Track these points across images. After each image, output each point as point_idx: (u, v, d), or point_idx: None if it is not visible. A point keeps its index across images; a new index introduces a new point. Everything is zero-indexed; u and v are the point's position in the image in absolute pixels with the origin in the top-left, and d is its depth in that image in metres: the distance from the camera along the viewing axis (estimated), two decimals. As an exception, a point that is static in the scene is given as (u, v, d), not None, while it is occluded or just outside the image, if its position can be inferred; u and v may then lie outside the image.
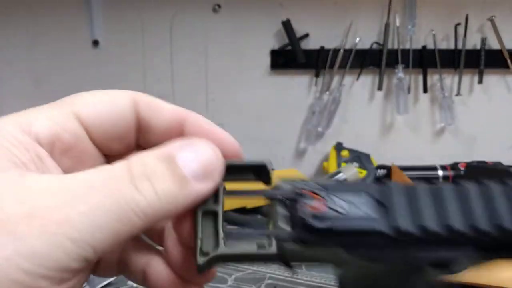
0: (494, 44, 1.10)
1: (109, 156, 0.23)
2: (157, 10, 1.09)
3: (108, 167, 0.20)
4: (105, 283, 0.60)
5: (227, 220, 0.23)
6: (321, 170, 1.14)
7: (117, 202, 0.18)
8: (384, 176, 1.06)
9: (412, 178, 0.95)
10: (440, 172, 1.04)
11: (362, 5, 1.09)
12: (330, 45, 1.09)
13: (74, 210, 0.17)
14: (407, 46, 1.09)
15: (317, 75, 1.11)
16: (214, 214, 0.22)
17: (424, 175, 1.04)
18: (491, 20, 1.08)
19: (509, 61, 1.08)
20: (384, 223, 0.22)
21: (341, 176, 0.97)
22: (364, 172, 1.03)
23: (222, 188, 0.23)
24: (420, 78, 1.12)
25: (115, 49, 1.11)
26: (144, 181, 0.19)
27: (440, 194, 0.24)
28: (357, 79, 1.11)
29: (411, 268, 0.26)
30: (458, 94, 1.11)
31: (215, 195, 0.23)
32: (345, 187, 0.23)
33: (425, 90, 1.12)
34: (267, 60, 1.11)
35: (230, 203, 0.74)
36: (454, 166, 1.05)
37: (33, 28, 1.09)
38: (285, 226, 0.23)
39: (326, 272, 0.69)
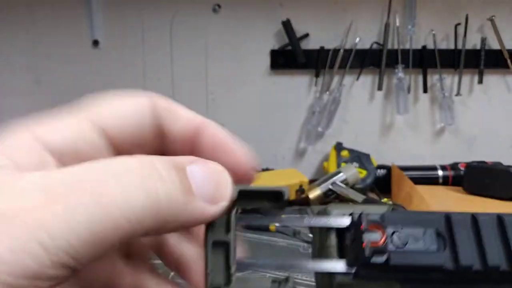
0: (494, 44, 1.10)
1: None
2: (157, 10, 1.09)
3: (106, 160, 0.18)
4: None
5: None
6: (321, 170, 1.14)
7: (103, 205, 0.16)
8: (384, 176, 1.06)
9: (412, 178, 0.95)
10: (440, 172, 1.04)
11: (362, 5, 1.09)
12: (330, 45, 1.09)
13: (49, 211, 0.16)
14: (407, 46, 1.09)
15: (317, 75, 1.11)
16: (226, 245, 0.21)
17: (424, 175, 1.04)
18: (491, 20, 1.08)
19: (509, 61, 1.08)
20: (445, 257, 0.21)
21: (341, 176, 0.97)
22: (364, 172, 1.03)
23: (234, 216, 0.21)
24: (420, 78, 1.12)
25: (115, 49, 1.11)
26: (145, 181, 0.17)
27: (505, 226, 0.22)
28: (357, 79, 1.11)
29: None
30: (458, 94, 1.11)
31: (226, 223, 0.21)
32: (405, 217, 0.22)
33: (425, 90, 1.12)
34: (267, 60, 1.11)
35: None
36: (454, 166, 1.05)
37: (33, 28, 1.09)
38: (335, 256, 0.22)
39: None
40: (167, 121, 0.22)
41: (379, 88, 1.10)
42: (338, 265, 0.22)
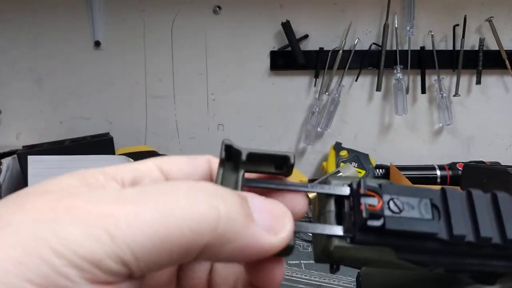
0: (492, 45, 1.11)
1: None
2: (158, 11, 1.10)
3: (176, 181, 0.20)
4: None
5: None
6: (320, 170, 1.14)
7: (169, 209, 0.17)
8: (382, 176, 1.06)
9: (411, 178, 0.96)
10: (438, 172, 1.04)
11: (361, 6, 1.10)
12: (329, 46, 1.10)
13: (120, 208, 0.17)
14: (406, 47, 1.10)
15: (316, 76, 1.12)
16: None
17: (422, 175, 1.05)
18: (489, 21, 1.09)
19: (507, 61, 1.09)
20: (439, 226, 0.22)
21: (340, 176, 0.97)
22: (363, 172, 1.04)
23: (242, 177, 0.22)
24: (419, 78, 1.13)
25: (117, 50, 1.11)
26: (208, 196, 0.18)
27: (498, 202, 0.23)
28: (356, 79, 1.12)
29: (452, 277, 0.26)
30: (456, 94, 1.12)
31: (235, 183, 0.22)
32: (401, 188, 0.22)
33: (423, 91, 1.12)
34: (267, 61, 1.12)
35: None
36: (452, 166, 1.05)
37: (34, 29, 1.09)
38: (333, 222, 0.22)
39: (325, 271, 0.70)
40: (214, 170, 0.23)
41: (378, 89, 1.10)
42: (336, 229, 0.22)
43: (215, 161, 0.24)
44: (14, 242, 0.16)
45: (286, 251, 0.21)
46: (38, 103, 1.13)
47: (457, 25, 1.10)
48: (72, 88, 1.13)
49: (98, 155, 0.89)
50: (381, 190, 0.22)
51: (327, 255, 0.23)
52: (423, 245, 0.22)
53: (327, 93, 1.12)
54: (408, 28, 1.08)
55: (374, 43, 1.10)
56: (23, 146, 1.06)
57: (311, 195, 0.25)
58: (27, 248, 0.16)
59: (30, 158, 0.86)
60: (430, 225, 0.22)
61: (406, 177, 0.97)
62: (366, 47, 1.10)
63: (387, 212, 0.21)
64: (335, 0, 1.10)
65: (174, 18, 1.10)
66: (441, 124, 1.15)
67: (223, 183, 0.22)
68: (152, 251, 0.17)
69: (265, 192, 0.23)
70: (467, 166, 0.96)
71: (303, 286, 0.66)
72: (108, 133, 1.10)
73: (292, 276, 0.68)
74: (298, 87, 1.14)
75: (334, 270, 0.23)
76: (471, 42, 1.12)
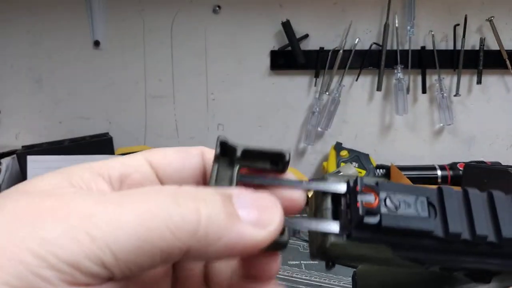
0: (492, 45, 1.10)
1: None
2: (158, 11, 1.09)
3: (160, 186, 0.20)
4: None
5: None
6: (321, 170, 1.14)
7: (150, 211, 0.17)
8: (383, 176, 1.06)
9: (411, 178, 0.96)
10: (439, 172, 1.04)
11: (362, 6, 1.10)
12: (329, 45, 1.10)
13: (100, 209, 0.17)
14: (406, 47, 1.09)
15: (316, 76, 1.12)
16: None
17: (423, 175, 1.04)
18: (490, 20, 1.09)
19: (507, 61, 1.09)
20: (435, 224, 0.22)
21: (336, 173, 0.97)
22: (363, 172, 1.04)
23: (236, 172, 0.22)
24: (419, 78, 1.13)
25: (116, 50, 1.11)
26: (189, 200, 0.18)
27: (493, 201, 0.23)
28: (357, 79, 1.12)
29: (448, 276, 0.26)
30: (457, 94, 1.12)
31: (230, 179, 0.22)
32: (398, 186, 0.22)
33: (424, 91, 1.12)
34: (267, 60, 1.12)
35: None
36: (452, 166, 1.05)
37: (34, 29, 1.09)
38: (329, 219, 0.22)
39: (325, 271, 0.70)
40: (208, 162, 0.24)
41: (378, 89, 1.10)
42: (332, 226, 0.22)
43: (208, 152, 0.24)
44: None
45: (279, 246, 0.21)
46: (37, 103, 1.13)
47: (458, 24, 1.09)
48: (71, 88, 1.13)
49: (98, 155, 0.88)
50: (378, 188, 0.22)
51: (323, 252, 0.23)
52: (419, 243, 0.22)
53: (327, 93, 1.12)
54: (408, 27, 1.08)
55: (374, 43, 1.10)
56: (22, 146, 1.06)
57: (311, 194, 0.24)
58: (5, 250, 0.16)
59: (30, 158, 0.85)
60: (426, 222, 0.22)
61: (407, 177, 0.96)
62: (366, 47, 1.10)
63: (383, 210, 0.21)
64: (335, 0, 1.10)
65: (173, 17, 1.10)
66: (441, 124, 1.15)
67: (218, 179, 0.22)
68: (133, 253, 0.17)
69: (261, 188, 0.23)
70: (468, 166, 0.96)
71: (303, 287, 0.66)
72: (107, 133, 1.10)
73: (292, 277, 0.68)
74: (298, 87, 1.14)
75: (330, 267, 0.23)
76: (471, 42, 1.11)
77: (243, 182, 0.23)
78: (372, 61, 1.10)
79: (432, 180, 1.04)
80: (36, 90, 1.12)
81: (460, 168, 1.03)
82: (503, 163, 1.05)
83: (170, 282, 0.24)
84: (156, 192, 0.19)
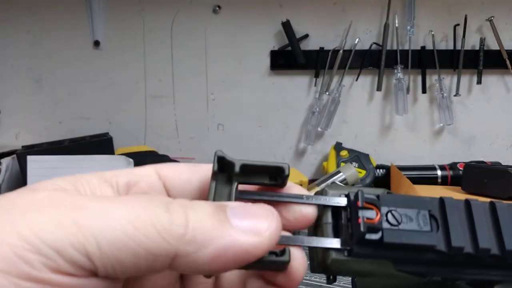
0: (492, 45, 1.10)
1: None
2: (158, 10, 1.09)
3: (156, 195, 0.20)
4: None
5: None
6: (321, 170, 1.14)
7: (139, 212, 0.18)
8: (383, 176, 1.06)
9: (411, 178, 0.95)
10: (439, 172, 1.04)
11: (362, 6, 1.10)
12: (329, 45, 1.10)
13: (93, 202, 0.18)
14: (406, 47, 1.09)
15: (316, 76, 1.12)
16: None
17: (423, 175, 1.04)
18: (490, 20, 1.08)
19: (507, 61, 1.09)
20: (437, 238, 0.22)
21: (340, 176, 0.97)
22: (363, 172, 1.03)
23: (235, 189, 0.22)
24: (419, 78, 1.13)
25: (116, 50, 1.11)
26: (179, 207, 0.18)
27: (496, 212, 0.23)
28: (357, 79, 1.12)
29: (450, 284, 0.26)
30: (457, 94, 1.12)
31: (228, 195, 0.22)
32: (399, 199, 0.22)
33: (424, 91, 1.12)
34: (267, 60, 1.12)
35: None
36: (452, 166, 1.05)
37: (34, 29, 1.09)
38: (330, 234, 0.22)
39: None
40: None
41: (378, 89, 1.10)
42: (333, 242, 0.22)
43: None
44: None
45: (281, 266, 0.21)
46: (37, 103, 1.13)
47: (458, 24, 1.09)
48: (71, 88, 1.12)
49: (98, 155, 0.88)
50: (379, 202, 0.22)
51: (324, 268, 0.22)
52: (421, 257, 0.22)
53: (327, 93, 1.11)
54: (408, 27, 1.08)
55: (374, 43, 1.10)
56: (22, 146, 1.06)
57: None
58: None
59: (30, 158, 0.85)
60: (428, 237, 0.21)
61: (407, 177, 0.96)
62: (366, 47, 1.10)
63: (385, 225, 0.21)
64: (335, 0, 1.10)
65: (173, 17, 1.10)
66: (441, 124, 1.15)
67: (216, 195, 0.22)
68: (117, 248, 0.17)
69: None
70: (468, 166, 0.96)
71: (303, 287, 0.66)
72: (107, 133, 1.10)
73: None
74: (298, 87, 1.14)
75: (331, 281, 0.23)
76: (471, 42, 1.11)
77: (241, 199, 0.22)
78: (372, 61, 1.10)
79: (432, 180, 1.04)
80: (36, 90, 1.12)
81: (460, 168, 1.02)
82: (503, 163, 1.05)
83: None
84: (150, 199, 0.19)
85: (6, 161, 0.97)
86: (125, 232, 0.17)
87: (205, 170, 0.23)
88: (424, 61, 1.10)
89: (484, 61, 1.10)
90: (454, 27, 1.09)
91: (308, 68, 1.11)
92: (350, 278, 0.68)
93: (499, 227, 0.22)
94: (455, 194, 0.97)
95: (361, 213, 0.21)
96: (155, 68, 1.12)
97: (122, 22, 1.10)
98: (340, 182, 0.96)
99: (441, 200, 0.23)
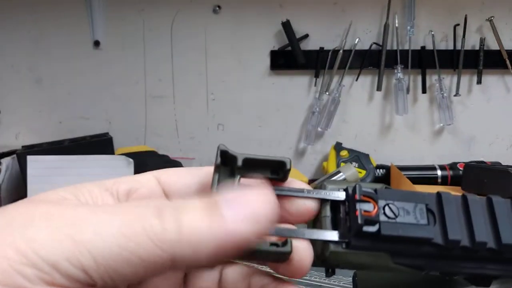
0: (493, 45, 1.10)
1: None
2: (158, 10, 1.09)
3: (150, 199, 0.21)
4: None
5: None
6: (321, 170, 1.14)
7: (131, 221, 0.18)
8: (383, 176, 1.06)
9: (411, 178, 0.95)
10: (439, 172, 1.04)
11: (362, 6, 1.10)
12: (329, 45, 1.10)
13: (88, 217, 0.18)
14: (406, 47, 1.09)
15: (316, 76, 1.12)
16: None
17: (423, 175, 1.04)
18: (490, 20, 1.08)
19: (507, 61, 1.09)
20: (434, 231, 0.22)
21: (340, 176, 0.97)
22: (363, 172, 1.03)
23: (237, 183, 0.22)
24: (419, 78, 1.13)
25: (116, 50, 1.11)
26: (171, 211, 0.18)
27: (493, 207, 0.23)
28: (357, 79, 1.12)
29: (448, 279, 0.26)
30: (457, 94, 1.12)
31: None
32: (397, 193, 0.22)
33: (424, 91, 1.12)
34: (267, 60, 1.12)
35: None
36: (453, 166, 1.05)
37: (34, 29, 1.09)
38: (328, 227, 0.23)
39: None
40: None
41: (378, 89, 1.10)
42: (331, 235, 0.22)
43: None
44: None
45: (282, 257, 0.21)
46: (37, 103, 1.13)
47: (458, 24, 1.09)
48: (71, 88, 1.12)
49: (98, 155, 0.88)
50: (377, 196, 0.22)
51: (322, 260, 0.23)
52: (418, 250, 0.22)
53: (327, 93, 1.11)
54: (408, 27, 1.08)
55: (374, 43, 1.10)
56: (22, 146, 1.06)
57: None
58: None
59: (30, 158, 0.85)
60: (425, 230, 0.22)
61: (407, 177, 0.96)
62: (366, 47, 1.10)
63: (382, 218, 0.21)
64: (335, 0, 1.10)
65: (173, 17, 1.10)
66: (441, 124, 1.15)
67: (219, 189, 0.22)
68: (113, 260, 0.17)
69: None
70: (468, 166, 0.96)
71: (304, 287, 0.66)
72: (107, 133, 1.10)
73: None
74: (298, 87, 1.14)
75: (329, 274, 0.23)
76: (471, 42, 1.11)
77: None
78: (372, 61, 1.10)
79: (432, 180, 1.03)
80: (36, 90, 1.12)
81: (460, 168, 1.02)
82: (503, 163, 1.05)
83: None
84: (143, 205, 0.19)
85: (6, 161, 0.97)
86: (118, 243, 0.17)
87: (205, 172, 0.23)
88: (424, 61, 1.10)
89: (484, 61, 1.10)
90: (454, 27, 1.09)
91: (308, 68, 1.11)
92: (351, 278, 0.68)
93: (496, 221, 0.22)
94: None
95: (359, 206, 0.21)
96: (155, 68, 1.12)
97: (122, 22, 1.10)
98: (340, 182, 0.96)
99: (438, 195, 0.23)
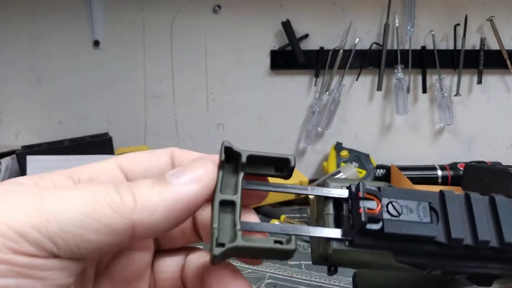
0: (493, 45, 1.10)
1: None
2: (158, 10, 1.09)
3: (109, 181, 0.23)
4: None
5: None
6: (321, 170, 1.14)
7: (94, 194, 0.20)
8: (383, 176, 1.06)
9: (411, 178, 0.95)
10: (439, 172, 1.04)
11: (362, 6, 1.10)
12: (329, 45, 1.10)
13: (52, 191, 0.20)
14: (407, 47, 1.09)
15: (316, 76, 1.12)
16: (233, 205, 0.22)
17: (423, 175, 1.04)
18: (490, 20, 1.08)
19: (508, 61, 1.09)
20: (437, 229, 0.22)
21: (340, 176, 0.97)
22: (363, 172, 1.03)
23: (241, 178, 0.22)
24: (420, 78, 1.12)
25: (116, 50, 1.11)
26: (126, 187, 0.21)
27: (495, 206, 0.23)
28: (357, 79, 1.12)
29: (450, 278, 0.26)
30: (457, 94, 1.12)
31: (234, 185, 0.22)
32: (400, 191, 0.22)
33: (424, 90, 1.12)
34: (267, 60, 1.12)
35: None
36: (453, 166, 1.05)
37: (34, 29, 1.09)
38: (331, 225, 0.23)
39: (326, 272, 0.69)
40: (180, 160, 0.25)
41: (379, 88, 1.10)
42: (334, 232, 0.22)
43: (178, 152, 0.26)
44: None
45: (287, 254, 0.21)
46: (37, 103, 1.13)
47: (458, 24, 1.09)
48: (71, 88, 1.12)
49: (97, 155, 0.88)
50: (380, 194, 0.22)
51: (325, 258, 0.23)
52: (421, 248, 0.22)
53: (327, 93, 1.11)
54: (408, 27, 1.08)
55: (374, 43, 1.09)
56: (22, 146, 1.06)
57: (311, 196, 0.24)
58: None
59: (29, 158, 0.85)
60: (428, 228, 0.22)
61: (407, 177, 0.96)
62: (366, 47, 1.10)
63: (386, 216, 0.21)
64: (335, 0, 1.10)
65: (173, 17, 1.10)
66: (442, 124, 1.15)
67: (223, 186, 0.22)
68: (78, 226, 0.19)
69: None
70: (468, 166, 0.96)
71: (304, 287, 0.66)
72: (107, 133, 1.10)
73: (292, 277, 0.68)
74: (298, 87, 1.14)
75: (332, 272, 0.23)
76: (472, 42, 1.11)
77: (247, 189, 0.23)
78: (372, 61, 1.10)
79: (433, 180, 1.03)
80: (36, 90, 1.12)
81: (461, 168, 1.02)
82: (503, 163, 1.05)
83: (148, 286, 0.25)
84: (102, 184, 0.21)
85: (6, 161, 0.97)
86: (84, 213, 0.19)
87: (162, 154, 0.25)
88: (424, 61, 1.10)
89: (485, 61, 1.10)
90: (455, 27, 1.09)
91: (308, 68, 1.11)
92: (351, 279, 0.68)
93: (498, 220, 0.22)
94: (456, 194, 0.97)
95: (362, 204, 0.21)
96: (155, 68, 1.12)
97: (122, 21, 1.10)
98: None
99: (441, 193, 0.23)
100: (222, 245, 0.21)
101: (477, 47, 1.11)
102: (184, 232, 0.26)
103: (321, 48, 1.10)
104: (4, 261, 0.18)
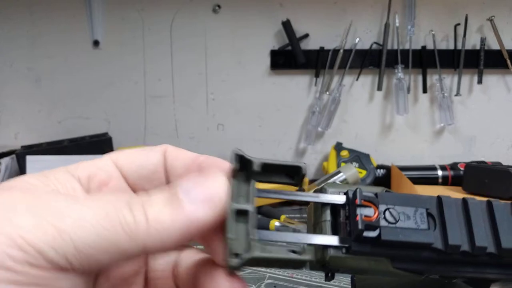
0: (493, 44, 1.10)
1: None
2: (157, 10, 1.09)
3: (119, 193, 0.22)
4: None
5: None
6: (321, 170, 1.14)
7: (108, 214, 0.20)
8: (383, 176, 1.06)
9: (412, 178, 0.95)
10: (440, 172, 1.04)
11: (362, 5, 1.10)
12: (330, 45, 1.10)
13: (69, 208, 0.20)
14: (407, 46, 1.09)
15: (317, 75, 1.11)
16: (246, 214, 0.21)
17: (423, 175, 1.04)
18: (491, 20, 1.08)
19: (508, 61, 1.08)
20: (434, 236, 0.22)
21: (340, 176, 0.97)
22: (363, 172, 1.03)
23: (254, 187, 0.22)
24: (420, 78, 1.12)
25: (116, 49, 1.11)
26: (139, 205, 0.21)
27: (493, 211, 0.23)
28: (357, 79, 1.12)
29: (448, 281, 0.26)
30: (457, 94, 1.11)
31: (247, 194, 0.22)
32: (397, 197, 0.22)
33: (424, 90, 1.12)
34: (267, 60, 1.11)
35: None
36: (453, 166, 1.05)
37: (33, 29, 1.09)
38: (328, 232, 0.23)
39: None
40: (173, 159, 0.26)
41: (379, 88, 1.10)
42: (331, 240, 0.22)
43: (171, 149, 0.26)
44: None
45: (302, 264, 0.22)
46: (36, 103, 1.13)
47: (458, 24, 1.09)
48: (70, 88, 1.12)
49: (97, 155, 0.88)
50: (377, 200, 0.22)
51: (322, 265, 0.22)
52: (418, 255, 0.22)
53: (327, 93, 1.11)
54: (409, 27, 1.08)
55: (375, 42, 1.09)
56: (21, 146, 1.06)
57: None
58: None
59: (29, 158, 0.85)
60: (425, 235, 0.22)
61: (407, 177, 0.96)
62: (367, 47, 1.10)
63: (383, 223, 0.21)
64: (335, -1, 1.10)
65: (173, 17, 1.09)
66: (442, 124, 1.14)
67: (235, 195, 0.22)
68: (92, 247, 0.19)
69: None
70: (469, 166, 0.96)
71: (304, 287, 0.66)
72: (106, 133, 1.10)
73: (292, 278, 0.68)
74: (299, 87, 1.13)
75: (329, 278, 0.23)
76: (472, 42, 1.11)
77: (259, 197, 0.23)
78: (373, 60, 1.10)
79: (433, 180, 1.03)
80: (35, 90, 1.12)
81: (461, 168, 1.02)
82: (504, 163, 1.05)
83: (142, 283, 0.26)
84: (115, 199, 0.21)
85: (5, 161, 0.97)
86: (97, 233, 0.19)
87: (156, 151, 0.26)
88: (424, 60, 1.10)
89: (485, 61, 1.10)
90: (455, 26, 1.09)
91: (308, 67, 1.11)
92: (350, 279, 0.68)
93: (496, 226, 0.22)
94: (456, 194, 0.96)
95: (359, 211, 0.21)
96: (155, 68, 1.12)
97: (121, 21, 1.09)
98: (341, 182, 0.96)
99: (439, 199, 0.23)
100: (237, 255, 0.21)
101: (478, 47, 1.10)
102: None
103: (321, 48, 1.10)
104: (23, 273, 0.18)
